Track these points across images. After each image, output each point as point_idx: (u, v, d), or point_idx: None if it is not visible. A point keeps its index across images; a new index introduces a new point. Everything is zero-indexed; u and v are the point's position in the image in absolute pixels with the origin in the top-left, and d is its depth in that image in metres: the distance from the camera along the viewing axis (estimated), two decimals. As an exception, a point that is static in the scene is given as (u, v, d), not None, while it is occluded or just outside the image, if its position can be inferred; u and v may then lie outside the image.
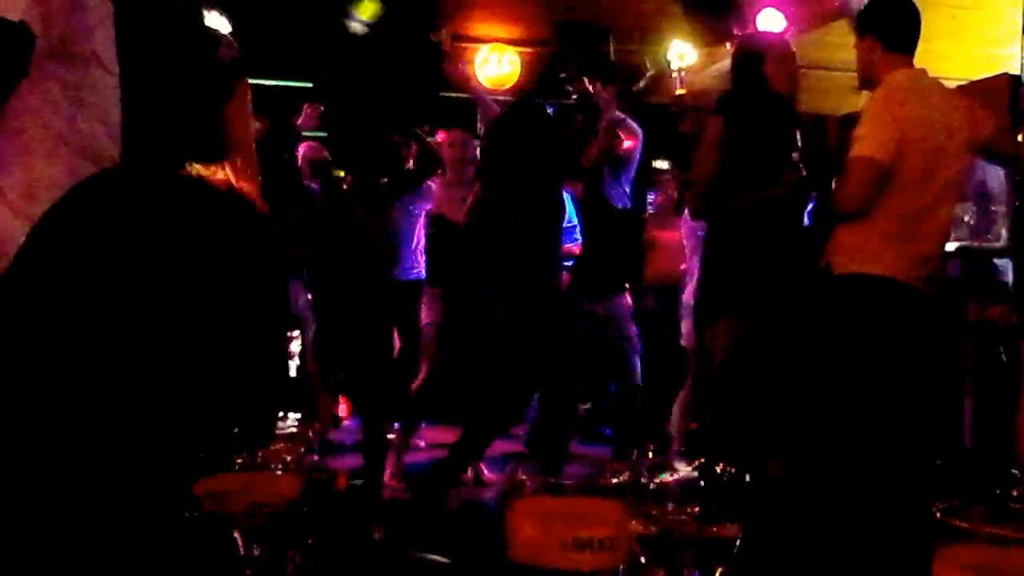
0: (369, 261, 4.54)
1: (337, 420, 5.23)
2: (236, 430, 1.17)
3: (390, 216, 4.87)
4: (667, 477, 0.93)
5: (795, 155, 3.68)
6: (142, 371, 1.72)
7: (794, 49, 3.84)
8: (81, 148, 2.03)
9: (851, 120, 3.83)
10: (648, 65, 7.55)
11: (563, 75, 5.37)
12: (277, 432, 1.21)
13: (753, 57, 3.75)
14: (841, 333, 3.43)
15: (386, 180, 4.77)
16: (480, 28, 8.77)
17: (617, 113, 5.20)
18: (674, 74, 8.33)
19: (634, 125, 5.32)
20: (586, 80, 5.18)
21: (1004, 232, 4.86)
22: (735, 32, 7.47)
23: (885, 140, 3.37)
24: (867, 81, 3.57)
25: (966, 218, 4.48)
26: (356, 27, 6.77)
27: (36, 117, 2.00)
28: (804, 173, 3.64)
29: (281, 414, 1.34)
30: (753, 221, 3.59)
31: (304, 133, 5.64)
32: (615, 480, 0.95)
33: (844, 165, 3.47)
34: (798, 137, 3.74)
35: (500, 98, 8.87)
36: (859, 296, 3.42)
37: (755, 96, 3.68)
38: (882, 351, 3.39)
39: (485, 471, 5.36)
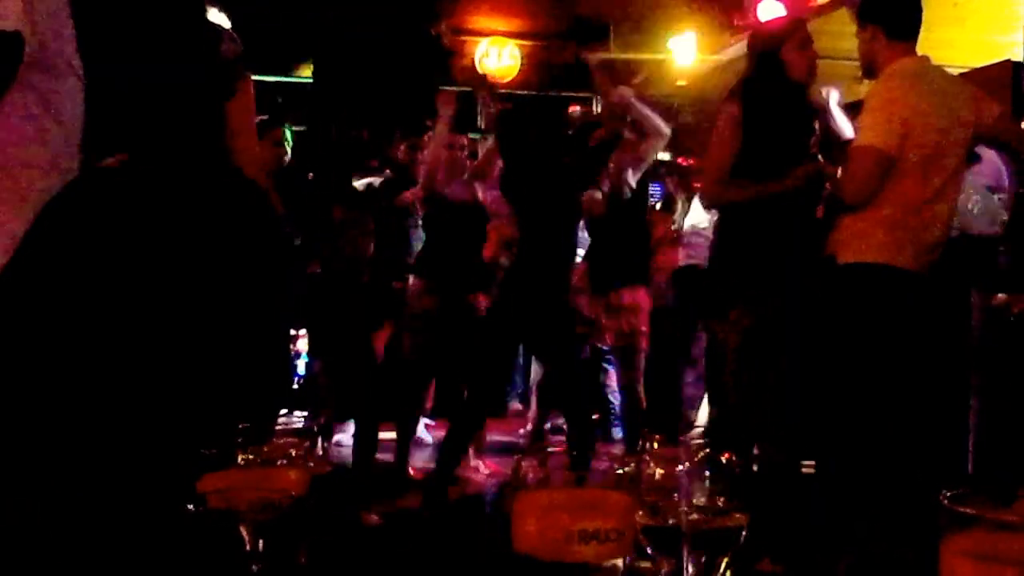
0: (345, 261, 4.57)
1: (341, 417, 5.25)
2: (241, 426, 1.17)
3: (367, 216, 4.88)
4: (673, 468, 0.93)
5: (812, 142, 3.66)
6: (141, 366, 1.73)
7: (811, 36, 3.79)
8: (51, 161, 2.03)
9: (854, 109, 3.81)
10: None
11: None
12: (284, 428, 1.21)
13: (771, 42, 3.72)
14: (846, 322, 3.43)
15: (359, 184, 4.77)
16: (480, 21, 8.76)
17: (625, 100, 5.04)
18: (674, 66, 8.33)
19: (653, 123, 5.04)
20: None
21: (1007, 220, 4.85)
22: (735, 23, 7.46)
23: (888, 129, 3.36)
24: (870, 70, 3.56)
25: (970, 206, 4.46)
26: None
27: (15, 129, 2.00)
28: (821, 161, 3.62)
29: (286, 411, 1.34)
30: (767, 209, 3.57)
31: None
32: (620, 471, 0.95)
33: (847, 155, 3.46)
34: (816, 126, 3.72)
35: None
36: (863, 285, 3.41)
37: (772, 83, 3.65)
38: (887, 339, 3.38)
39: (482, 465, 5.39)
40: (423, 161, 5.40)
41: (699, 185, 5.24)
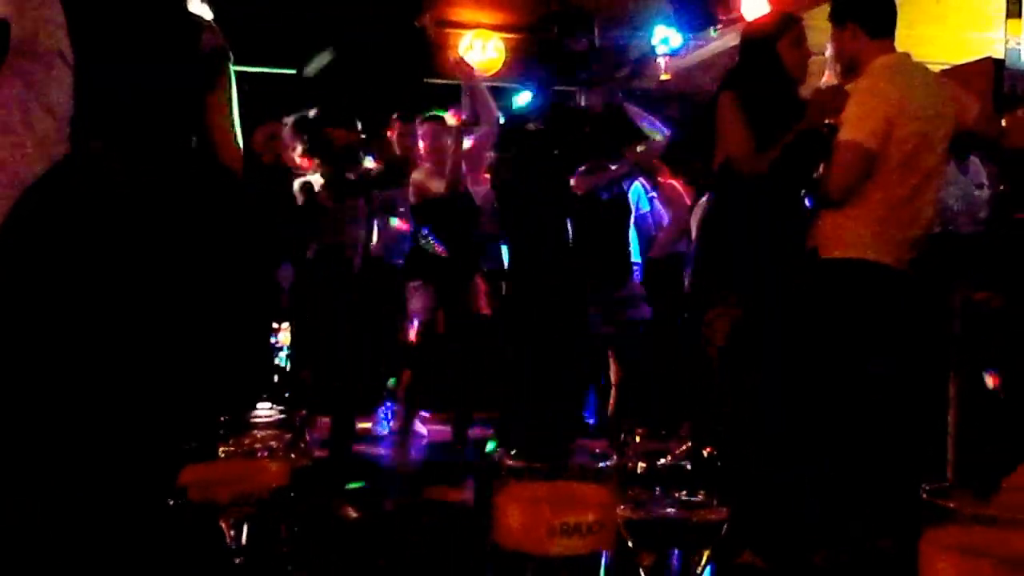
0: (335, 251, 4.58)
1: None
2: (221, 419, 1.16)
3: (356, 206, 4.88)
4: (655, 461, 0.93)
5: None
6: (118, 356, 1.71)
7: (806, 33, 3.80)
8: (38, 146, 2.02)
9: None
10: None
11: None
12: (265, 420, 1.20)
13: (768, 35, 3.72)
14: (826, 317, 3.44)
15: (351, 176, 4.77)
16: (464, 14, 8.74)
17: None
18: (659, 59, 8.32)
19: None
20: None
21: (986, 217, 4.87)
22: (720, 17, 7.46)
23: (871, 124, 3.37)
24: (851, 68, 3.57)
25: (952, 202, 4.48)
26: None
27: (1, 115, 1.98)
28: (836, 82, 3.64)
29: (269, 404, 1.33)
30: (752, 202, 3.57)
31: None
32: (602, 464, 0.95)
33: (830, 150, 3.47)
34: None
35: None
36: (843, 280, 3.43)
37: (766, 76, 3.65)
38: (866, 334, 3.40)
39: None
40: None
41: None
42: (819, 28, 5.62)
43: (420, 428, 6.06)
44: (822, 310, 3.45)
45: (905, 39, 3.57)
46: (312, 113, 5.06)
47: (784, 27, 3.74)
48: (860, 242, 3.40)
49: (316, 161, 4.81)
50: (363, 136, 5.21)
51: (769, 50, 3.67)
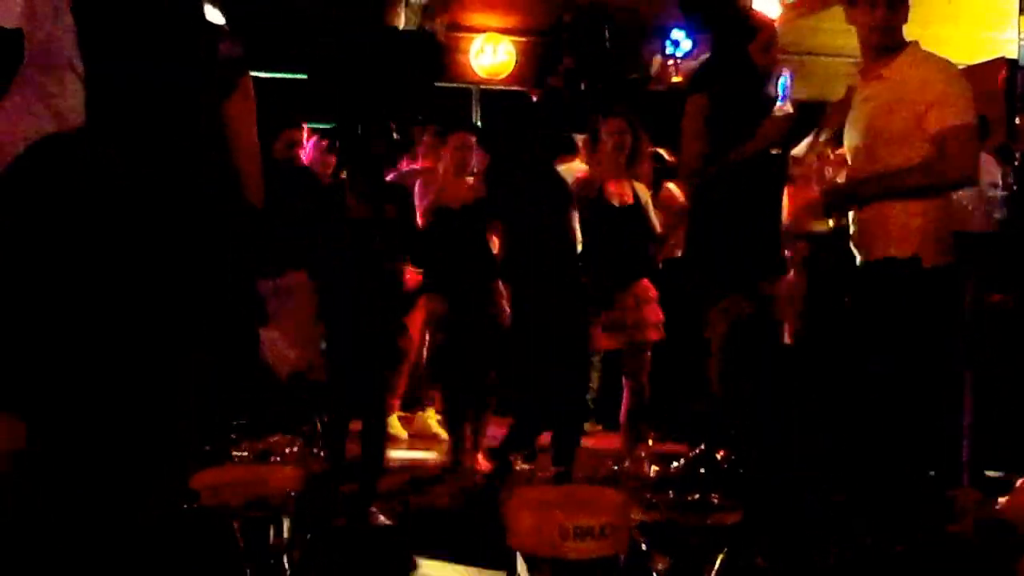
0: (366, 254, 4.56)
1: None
2: (235, 423, 1.16)
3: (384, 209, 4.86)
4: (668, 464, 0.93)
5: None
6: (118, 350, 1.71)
7: (779, 39, 3.81)
8: None
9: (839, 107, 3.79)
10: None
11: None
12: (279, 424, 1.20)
13: (741, 34, 3.73)
14: (938, 326, 3.30)
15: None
16: (475, 17, 8.76)
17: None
18: (671, 62, 8.34)
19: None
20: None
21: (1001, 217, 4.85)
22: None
23: (971, 105, 3.32)
24: (889, 48, 3.44)
25: (966, 202, 4.47)
26: None
27: (13, 126, 1.99)
28: (792, 112, 3.61)
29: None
30: (738, 190, 3.56)
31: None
32: (616, 467, 0.95)
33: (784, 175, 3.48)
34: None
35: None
36: (945, 286, 3.32)
37: (737, 71, 3.65)
38: (929, 336, 3.29)
39: (482, 459, 5.38)
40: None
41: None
42: (833, 30, 5.63)
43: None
44: (921, 318, 3.30)
45: (919, 39, 3.54)
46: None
47: (757, 27, 3.76)
48: (947, 246, 3.32)
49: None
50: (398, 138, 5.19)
51: (740, 51, 3.68)
